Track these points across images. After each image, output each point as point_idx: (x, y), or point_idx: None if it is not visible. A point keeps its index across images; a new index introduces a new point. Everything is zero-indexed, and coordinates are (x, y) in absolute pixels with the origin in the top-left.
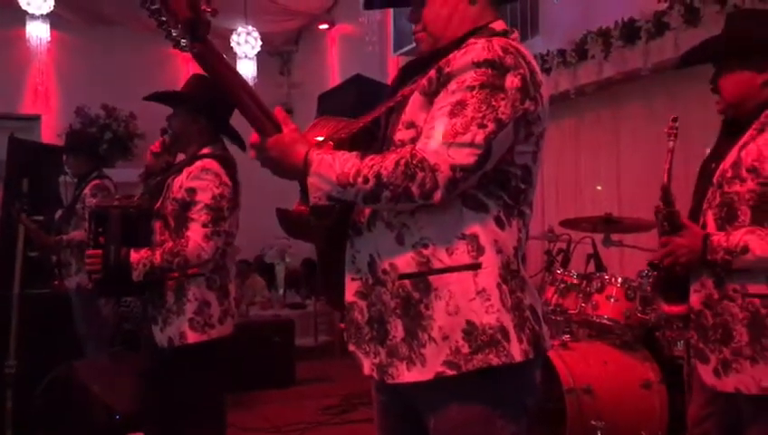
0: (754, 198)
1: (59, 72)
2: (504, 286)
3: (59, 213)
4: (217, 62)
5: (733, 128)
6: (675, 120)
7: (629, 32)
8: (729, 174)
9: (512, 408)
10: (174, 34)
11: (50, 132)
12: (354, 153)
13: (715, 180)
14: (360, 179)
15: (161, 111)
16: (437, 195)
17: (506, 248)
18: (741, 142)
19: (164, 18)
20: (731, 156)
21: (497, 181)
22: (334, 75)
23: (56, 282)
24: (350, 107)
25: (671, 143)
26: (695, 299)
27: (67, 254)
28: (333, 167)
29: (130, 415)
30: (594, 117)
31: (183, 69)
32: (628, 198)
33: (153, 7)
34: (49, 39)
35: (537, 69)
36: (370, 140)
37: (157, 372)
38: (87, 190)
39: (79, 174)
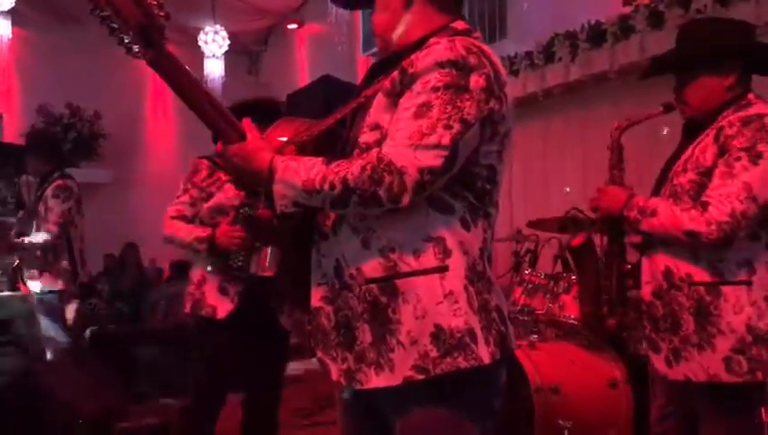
0: (695, 187)
1: (21, 71)
2: (470, 288)
3: (20, 214)
4: (173, 68)
5: (693, 130)
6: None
7: (596, 34)
8: (679, 168)
9: (479, 409)
10: (126, 41)
11: (13, 131)
12: (320, 159)
13: (669, 177)
14: (326, 186)
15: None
16: (406, 198)
17: (472, 250)
18: (696, 141)
19: (115, 25)
20: (686, 154)
21: (462, 182)
22: (303, 75)
23: (18, 284)
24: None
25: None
26: (646, 290)
27: (30, 256)
28: (299, 173)
29: (93, 418)
30: (562, 119)
31: (149, 69)
32: None
33: (103, 14)
34: (10, 36)
35: (501, 68)
36: (334, 142)
37: (286, 348)
38: (49, 191)
39: (40, 174)
